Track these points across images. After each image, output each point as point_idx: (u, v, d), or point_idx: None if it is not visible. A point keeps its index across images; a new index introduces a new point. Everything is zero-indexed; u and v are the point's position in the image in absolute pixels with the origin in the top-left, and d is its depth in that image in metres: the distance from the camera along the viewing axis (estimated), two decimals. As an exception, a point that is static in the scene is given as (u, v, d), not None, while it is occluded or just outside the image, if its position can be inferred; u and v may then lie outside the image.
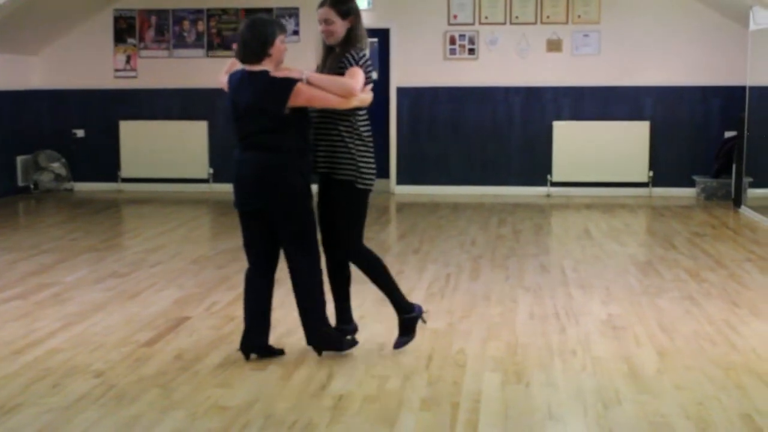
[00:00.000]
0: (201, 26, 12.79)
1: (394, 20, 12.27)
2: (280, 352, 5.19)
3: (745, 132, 10.83)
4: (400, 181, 12.48)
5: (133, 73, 12.95)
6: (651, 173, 12.15)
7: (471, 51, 12.28)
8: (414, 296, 6.48)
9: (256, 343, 5.15)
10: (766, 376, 4.79)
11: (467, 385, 4.67)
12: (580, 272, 7.40)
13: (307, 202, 5.01)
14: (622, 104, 12.20)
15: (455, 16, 12.23)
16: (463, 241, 8.83)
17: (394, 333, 5.36)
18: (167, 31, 12.86)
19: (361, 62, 5.00)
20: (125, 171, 12.94)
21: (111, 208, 11.53)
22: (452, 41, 12.27)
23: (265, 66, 4.97)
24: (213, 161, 12.82)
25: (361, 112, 5.07)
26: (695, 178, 11.95)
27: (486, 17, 12.25)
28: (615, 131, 12.13)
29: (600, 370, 4.90)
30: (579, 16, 12.16)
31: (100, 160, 12.97)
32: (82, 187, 12.96)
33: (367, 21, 12.28)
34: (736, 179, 11.06)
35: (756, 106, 10.76)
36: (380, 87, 12.53)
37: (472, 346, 5.37)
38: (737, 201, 11.00)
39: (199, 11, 12.78)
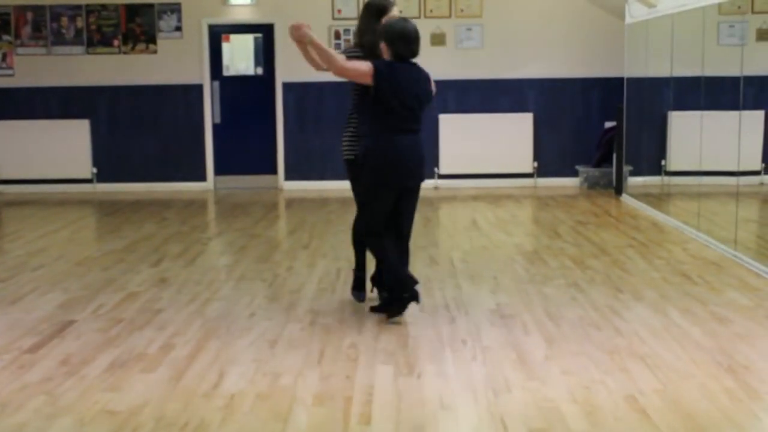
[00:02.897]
0: (80, 22, 12.48)
1: (278, 15, 12.19)
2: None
3: (624, 122, 11.14)
4: (288, 176, 12.43)
5: (9, 71, 12.56)
6: (535, 164, 12.39)
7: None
8: (305, 291, 6.48)
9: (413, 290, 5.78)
10: (649, 358, 4.94)
11: (360, 379, 4.69)
12: (468, 263, 7.50)
13: None
14: (505, 97, 12.41)
15: (339, 11, 12.22)
16: (352, 235, 8.83)
17: (285, 330, 5.35)
18: (45, 27, 12.51)
19: None
20: (4, 172, 12.55)
21: (-10, 211, 11.17)
22: (337, 36, 12.27)
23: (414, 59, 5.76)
24: (96, 160, 12.54)
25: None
26: (578, 167, 12.24)
27: (370, 12, 12.26)
28: (499, 123, 12.32)
29: (490, 359, 4.98)
30: (462, 10, 12.31)
31: (-23, 161, 12.54)
32: (-41, 190, 12.53)
33: (251, 16, 12.24)
34: (617, 168, 11.38)
35: (633, 97, 11.09)
36: (265, 82, 12.47)
37: (363, 339, 5.39)
38: (618, 189, 11.31)
39: (77, 7, 12.47)
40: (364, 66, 5.53)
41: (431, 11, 12.29)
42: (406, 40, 5.64)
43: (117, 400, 4.44)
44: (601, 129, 12.14)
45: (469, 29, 12.34)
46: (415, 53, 5.70)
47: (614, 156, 11.48)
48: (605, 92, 12.18)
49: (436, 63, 12.27)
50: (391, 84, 5.54)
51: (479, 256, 7.82)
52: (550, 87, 12.39)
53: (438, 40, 12.33)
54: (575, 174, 12.30)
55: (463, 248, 8.16)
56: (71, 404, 4.40)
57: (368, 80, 5.52)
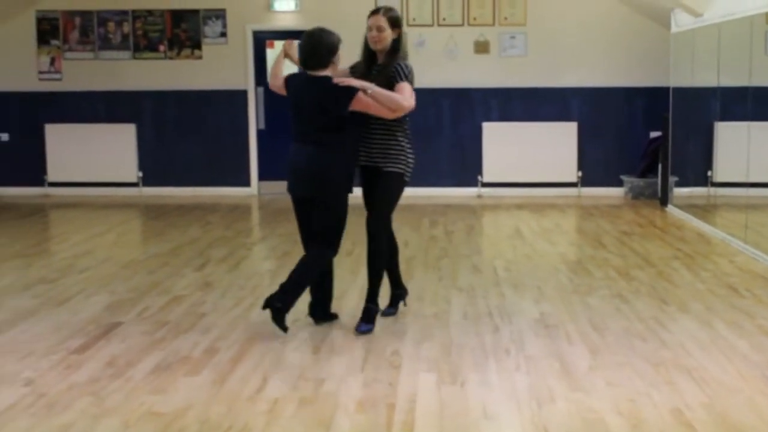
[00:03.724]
0: (126, 28, 12.62)
1: (322, 21, 12.19)
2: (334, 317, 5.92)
3: (670, 132, 11.05)
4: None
5: (57, 76, 12.73)
6: (580, 173, 12.33)
7: (400, 53, 12.30)
8: (348, 297, 6.50)
9: (317, 313, 5.85)
10: (695, 371, 4.88)
11: (402, 387, 4.68)
12: (512, 272, 7.47)
13: (344, 198, 5.63)
14: (549, 105, 12.35)
15: (384, 18, 12.23)
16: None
17: (328, 336, 5.39)
18: (92, 32, 12.66)
19: (409, 76, 5.63)
20: (52, 175, 12.71)
21: (38, 213, 11.31)
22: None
23: (327, 72, 5.56)
24: (142, 164, 12.66)
25: (407, 117, 5.71)
26: (623, 177, 12.15)
27: (414, 19, 12.30)
28: (543, 132, 12.27)
29: (533, 369, 4.96)
30: (505, 18, 12.28)
31: (25, 164, 12.71)
32: (7, 191, 12.70)
33: (295, 23, 12.28)
34: (662, 178, 11.27)
35: (679, 107, 11.00)
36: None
37: (406, 346, 5.39)
38: (664, 200, 11.21)
39: (124, 12, 12.61)
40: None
41: (475, 19, 12.28)
42: (301, 50, 5.66)
43: (162, 403, 4.48)
44: (646, 139, 12.05)
45: (513, 37, 12.30)
46: (305, 64, 5.60)
47: (659, 166, 11.38)
48: (650, 101, 12.09)
49: (480, 71, 12.30)
50: (289, 93, 5.71)
51: (523, 265, 7.79)
52: (595, 96, 12.32)
53: (482, 48, 12.31)
54: (620, 184, 12.21)
55: (506, 257, 8.13)
56: (117, 405, 4.45)
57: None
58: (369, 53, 5.74)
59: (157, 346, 5.41)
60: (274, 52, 12.60)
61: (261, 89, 12.47)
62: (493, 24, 12.28)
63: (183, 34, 12.56)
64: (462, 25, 12.27)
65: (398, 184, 5.75)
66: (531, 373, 4.88)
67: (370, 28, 5.66)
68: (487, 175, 12.37)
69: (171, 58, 12.61)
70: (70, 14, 12.65)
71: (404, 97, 5.49)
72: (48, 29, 12.67)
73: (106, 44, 12.66)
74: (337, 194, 5.59)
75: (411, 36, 12.30)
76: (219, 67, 12.54)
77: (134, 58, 12.65)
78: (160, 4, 12.51)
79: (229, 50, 12.53)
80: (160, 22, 12.56)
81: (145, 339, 5.57)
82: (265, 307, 5.53)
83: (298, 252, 8.22)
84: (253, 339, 5.52)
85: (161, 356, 5.20)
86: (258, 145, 12.56)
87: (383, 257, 5.80)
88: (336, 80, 5.47)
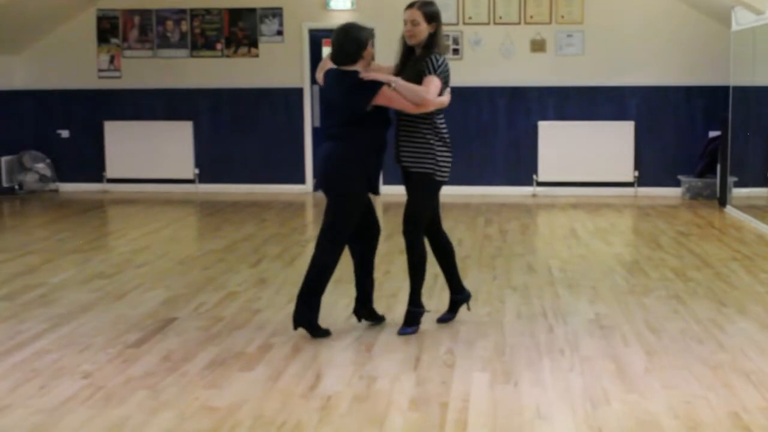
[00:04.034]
0: (184, 26, 12.75)
1: (378, 20, 12.26)
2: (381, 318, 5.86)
3: (729, 132, 10.89)
4: (387, 181, 12.45)
5: (117, 73, 12.91)
6: (636, 173, 12.20)
7: (455, 51, 12.30)
8: (402, 296, 6.49)
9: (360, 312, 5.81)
10: (753, 374, 4.81)
11: (456, 385, 4.68)
12: (566, 272, 7.42)
13: (354, 198, 5.48)
14: (606, 104, 12.24)
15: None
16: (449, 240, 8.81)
17: (381, 334, 5.40)
18: (151, 31, 12.81)
19: (438, 69, 5.37)
20: (110, 171, 12.90)
21: (96, 208, 11.49)
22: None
23: (357, 67, 5.44)
24: (198, 162, 12.79)
25: (439, 114, 5.52)
26: (680, 177, 12.00)
27: (470, 17, 12.27)
28: (600, 131, 12.16)
29: (588, 370, 4.92)
30: (562, 17, 12.19)
31: (85, 160, 12.92)
32: (67, 187, 12.92)
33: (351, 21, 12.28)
34: (721, 179, 11.11)
35: (739, 106, 10.82)
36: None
37: (460, 345, 5.38)
38: (722, 200, 11.05)
39: (182, 11, 12.74)
40: None
41: (531, 17, 12.21)
42: (331, 45, 5.57)
43: (216, 397, 4.52)
44: (705, 138, 11.88)
45: (570, 35, 12.21)
46: (334, 59, 5.51)
47: (718, 166, 11.22)
48: (709, 101, 11.92)
49: (536, 69, 12.23)
50: (322, 89, 5.70)
51: (578, 264, 7.73)
52: (652, 94, 12.18)
53: (538, 46, 12.24)
54: (677, 184, 12.06)
55: (561, 256, 8.07)
56: (172, 399, 4.50)
57: None
58: (406, 48, 5.59)
59: (212, 342, 5.46)
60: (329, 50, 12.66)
61: (317, 87, 12.52)
62: (550, 22, 12.20)
63: (240, 32, 12.66)
64: (518, 23, 12.21)
65: (426, 185, 5.54)
66: (585, 374, 4.85)
67: (405, 22, 5.50)
68: (543, 174, 12.30)
69: (228, 56, 12.72)
70: (130, 13, 12.82)
71: (428, 90, 5.30)
72: (108, 28, 12.85)
73: (164, 42, 12.81)
74: (342, 191, 5.46)
75: (467, 34, 12.27)
76: (275, 65, 12.62)
77: (192, 56, 12.78)
78: (218, 2, 12.63)
79: (285, 48, 12.60)
80: (218, 20, 12.68)
81: (200, 334, 5.63)
82: (296, 327, 5.52)
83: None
84: (307, 336, 5.53)
85: (216, 352, 5.25)
86: (313, 143, 12.61)
87: (419, 260, 5.65)
88: (362, 75, 5.38)
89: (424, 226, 5.64)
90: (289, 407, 4.39)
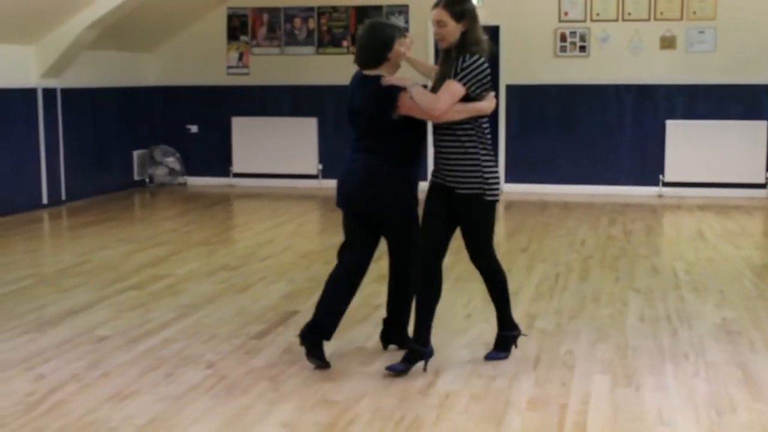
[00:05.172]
0: (312, 23, 12.93)
1: (504, 17, 12.18)
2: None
3: None
4: (509, 179, 12.38)
5: (245, 70, 13.18)
6: (768, 174, 11.82)
7: (582, 48, 12.12)
8: (522, 295, 6.45)
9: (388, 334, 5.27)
10: None
11: (575, 387, 4.62)
12: (692, 275, 7.23)
13: (409, 206, 4.94)
14: (738, 103, 11.86)
15: (566, 13, 12.07)
16: (572, 240, 8.72)
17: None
18: (279, 28, 13.04)
19: (463, 72, 4.68)
20: (237, 166, 13.18)
21: (223, 202, 11.76)
22: (563, 38, 12.12)
23: (382, 70, 4.92)
24: (322, 157, 12.95)
25: (483, 119, 4.83)
26: (815, 179, 11.57)
27: (597, 14, 12.07)
28: (730, 131, 11.80)
29: (713, 376, 4.79)
30: (694, 13, 11.87)
31: (213, 155, 13.24)
32: (195, 181, 13.26)
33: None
34: None
35: None
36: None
37: (580, 347, 5.31)
38: None
39: (310, 9, 12.92)
40: None
41: (662, 13, 11.93)
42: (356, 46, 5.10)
43: (335, 391, 4.58)
44: (843, 139, 11.41)
45: (702, 32, 11.89)
46: (357, 62, 5.03)
47: None
48: None
49: (665, 67, 11.96)
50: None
51: (705, 267, 7.52)
52: (788, 94, 11.76)
53: (667, 43, 11.95)
54: (812, 186, 11.63)
55: (687, 259, 7.87)
56: (292, 391, 4.57)
57: None
58: (444, 52, 4.90)
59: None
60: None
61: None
62: (681, 18, 11.90)
63: (365, 29, 12.73)
64: (648, 20, 11.95)
65: (481, 208, 4.81)
66: (711, 380, 4.72)
67: (433, 24, 4.87)
68: (669, 174, 12.01)
69: (353, 53, 12.79)
70: (259, 11, 13.07)
71: (437, 99, 4.63)
72: (237, 25, 13.13)
73: (291, 39, 13.01)
74: (397, 204, 4.93)
75: (594, 31, 12.08)
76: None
77: (318, 53, 12.95)
78: (345, 0, 12.75)
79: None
80: (345, 18, 12.81)
81: (321, 328, 5.69)
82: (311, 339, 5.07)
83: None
84: (426, 332, 5.54)
85: (336, 345, 5.30)
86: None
87: (502, 279, 5.05)
88: (384, 80, 4.82)
89: (491, 246, 4.99)
90: (407, 403, 4.41)
